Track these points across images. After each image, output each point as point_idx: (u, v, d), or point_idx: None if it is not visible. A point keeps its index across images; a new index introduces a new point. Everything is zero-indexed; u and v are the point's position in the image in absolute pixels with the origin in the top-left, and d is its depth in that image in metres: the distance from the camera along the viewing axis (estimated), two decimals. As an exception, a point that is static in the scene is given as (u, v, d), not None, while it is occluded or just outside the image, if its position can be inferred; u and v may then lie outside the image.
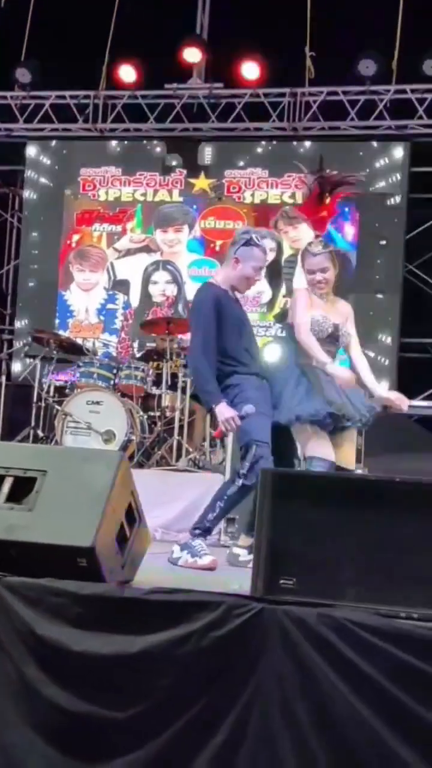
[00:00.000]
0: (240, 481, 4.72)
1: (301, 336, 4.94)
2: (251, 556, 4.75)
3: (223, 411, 4.74)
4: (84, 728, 3.00)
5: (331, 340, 5.02)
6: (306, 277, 5.05)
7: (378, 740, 2.72)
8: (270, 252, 10.22)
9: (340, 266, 5.19)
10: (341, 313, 5.11)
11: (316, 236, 5.05)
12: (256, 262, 5.01)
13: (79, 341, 9.28)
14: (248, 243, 5.00)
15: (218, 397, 4.78)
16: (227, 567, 4.89)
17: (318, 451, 4.75)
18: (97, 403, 7.60)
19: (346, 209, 10.11)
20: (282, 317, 10.22)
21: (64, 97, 11.08)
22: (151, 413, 8.09)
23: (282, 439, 4.87)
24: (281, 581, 2.97)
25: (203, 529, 4.77)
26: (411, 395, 8.75)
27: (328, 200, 5.02)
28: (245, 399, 4.78)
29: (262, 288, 10.18)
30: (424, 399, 8.81)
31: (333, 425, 4.85)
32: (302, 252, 5.10)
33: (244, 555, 4.91)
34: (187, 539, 4.78)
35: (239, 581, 3.53)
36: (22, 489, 3.27)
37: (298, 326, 4.96)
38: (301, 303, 5.01)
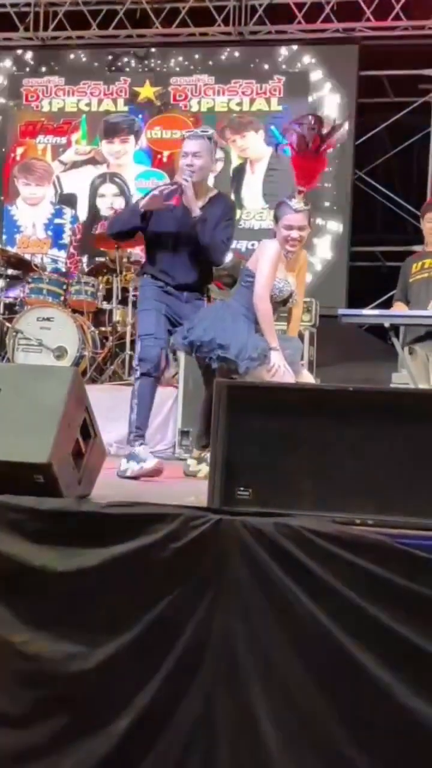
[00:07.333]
0: (137, 373, 4.97)
1: (262, 304, 4.71)
2: (200, 466, 4.87)
3: None
4: (42, 640, 3.04)
5: (284, 303, 4.94)
6: (281, 233, 4.77)
7: (336, 644, 2.77)
8: (218, 162, 10.12)
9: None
10: (299, 266, 4.98)
11: (299, 192, 4.83)
12: (184, 150, 5.00)
13: (27, 257, 9.16)
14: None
15: None
16: (183, 479, 4.95)
17: (277, 377, 4.70)
18: (48, 319, 7.55)
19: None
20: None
21: (4, 6, 10.77)
22: (103, 328, 8.06)
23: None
24: (238, 492, 3.00)
25: (136, 433, 4.88)
26: (362, 304, 8.81)
27: (322, 154, 4.85)
28: (142, 298, 5.13)
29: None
30: (375, 307, 8.82)
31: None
32: (280, 204, 4.87)
33: (194, 465, 5.02)
34: (129, 450, 4.88)
35: (195, 493, 3.55)
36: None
37: (260, 290, 4.72)
38: (270, 263, 4.74)
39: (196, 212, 4.93)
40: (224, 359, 4.66)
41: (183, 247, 5.00)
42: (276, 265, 4.75)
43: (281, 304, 4.91)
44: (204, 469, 4.71)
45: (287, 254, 4.79)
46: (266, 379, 4.60)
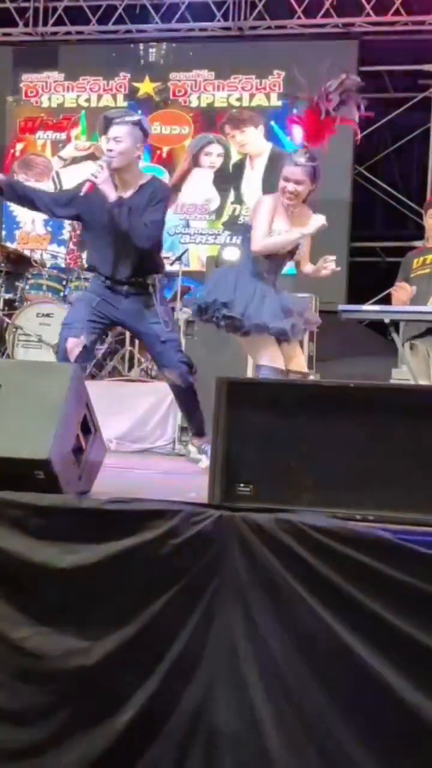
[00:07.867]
0: None
1: (257, 246, 4.70)
2: (201, 456, 4.88)
3: None
4: (43, 636, 3.04)
5: (291, 255, 4.92)
6: (280, 183, 4.79)
7: (337, 639, 2.77)
8: (217, 157, 10.11)
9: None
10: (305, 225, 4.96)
11: (304, 146, 4.84)
12: (106, 136, 4.91)
13: (27, 253, 9.14)
14: None
15: None
16: (183, 474, 4.94)
17: (269, 360, 4.72)
18: (48, 315, 7.54)
19: (294, 110, 9.96)
20: (230, 225, 10.13)
21: (3, 1, 10.76)
22: (102, 324, 8.03)
23: None
24: (238, 488, 2.99)
25: None
26: (362, 300, 8.80)
27: (332, 120, 4.84)
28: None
29: (210, 195, 10.06)
30: (375, 303, 8.81)
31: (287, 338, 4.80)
32: (284, 156, 4.92)
33: (195, 453, 5.05)
34: None
35: (196, 489, 3.55)
36: (-25, 403, 3.24)
37: (257, 246, 4.71)
38: (263, 216, 4.73)
39: (111, 197, 4.73)
40: (230, 317, 4.66)
41: (108, 236, 4.84)
42: (271, 216, 4.74)
43: (288, 256, 4.90)
44: (205, 460, 4.71)
45: (287, 207, 4.78)
46: (264, 357, 4.63)
